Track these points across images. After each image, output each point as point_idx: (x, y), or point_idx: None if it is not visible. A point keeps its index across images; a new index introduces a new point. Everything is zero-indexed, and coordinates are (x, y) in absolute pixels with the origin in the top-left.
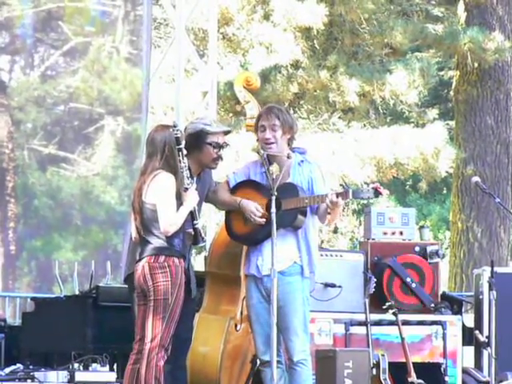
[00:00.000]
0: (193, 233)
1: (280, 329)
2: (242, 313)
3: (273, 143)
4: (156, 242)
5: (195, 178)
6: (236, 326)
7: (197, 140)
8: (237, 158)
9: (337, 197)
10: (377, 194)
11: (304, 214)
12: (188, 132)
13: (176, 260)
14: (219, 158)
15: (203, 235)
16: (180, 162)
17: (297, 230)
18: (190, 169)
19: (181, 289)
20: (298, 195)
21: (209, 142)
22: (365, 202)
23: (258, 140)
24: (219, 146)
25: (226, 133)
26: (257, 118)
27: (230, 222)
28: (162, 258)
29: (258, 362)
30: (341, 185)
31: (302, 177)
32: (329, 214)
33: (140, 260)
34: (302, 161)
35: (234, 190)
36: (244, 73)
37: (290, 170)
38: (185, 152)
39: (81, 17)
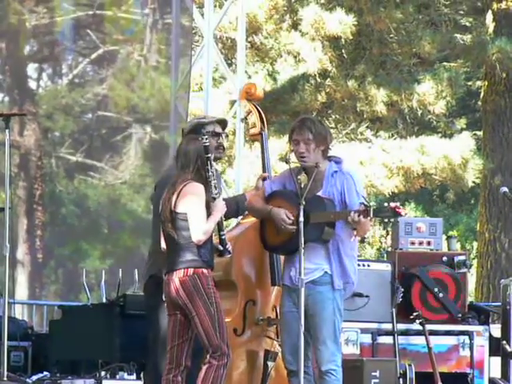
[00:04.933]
0: (219, 244)
1: (309, 338)
2: (245, 317)
3: (306, 156)
4: (185, 254)
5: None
6: (236, 330)
7: (196, 133)
8: None
9: (358, 215)
10: (396, 214)
11: (332, 226)
12: (186, 132)
13: (205, 271)
14: (220, 146)
15: (229, 247)
16: (208, 171)
17: (327, 243)
18: (219, 178)
19: (216, 295)
20: (325, 209)
21: (206, 131)
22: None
23: (292, 151)
24: (218, 134)
25: (222, 123)
26: (290, 131)
27: (264, 233)
28: (191, 271)
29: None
30: (361, 203)
31: (334, 188)
32: (355, 229)
33: (169, 272)
34: (336, 171)
35: (268, 199)
36: (245, 86)
37: (322, 180)
38: (213, 161)
39: (109, 25)
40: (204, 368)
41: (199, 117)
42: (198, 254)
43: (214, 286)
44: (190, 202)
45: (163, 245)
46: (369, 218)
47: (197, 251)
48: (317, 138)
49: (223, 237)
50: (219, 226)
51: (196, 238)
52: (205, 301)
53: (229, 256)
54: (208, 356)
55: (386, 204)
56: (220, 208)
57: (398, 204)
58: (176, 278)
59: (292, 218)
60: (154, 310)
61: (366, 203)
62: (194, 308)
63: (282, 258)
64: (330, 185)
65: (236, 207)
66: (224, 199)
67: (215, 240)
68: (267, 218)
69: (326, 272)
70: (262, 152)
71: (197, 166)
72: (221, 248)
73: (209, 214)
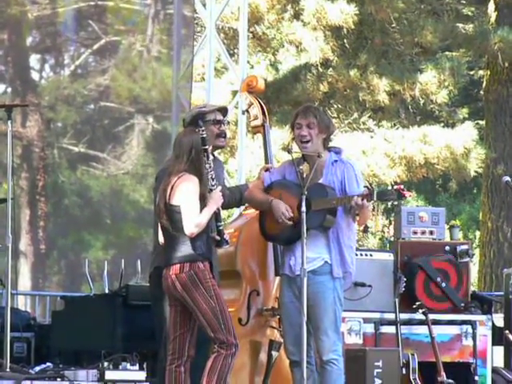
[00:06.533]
0: (217, 235)
1: (311, 328)
2: (249, 307)
3: (308, 141)
4: (181, 247)
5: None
6: (240, 320)
7: (196, 123)
8: None
9: (362, 199)
10: (400, 196)
11: (333, 213)
12: (187, 121)
13: (200, 264)
14: (222, 133)
15: (227, 237)
16: (205, 163)
17: (327, 230)
18: (214, 170)
19: (215, 287)
20: (327, 196)
21: (207, 119)
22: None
23: (293, 138)
24: (219, 122)
25: (222, 110)
26: (294, 116)
27: (263, 222)
28: (187, 266)
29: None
30: (365, 186)
31: (334, 177)
32: (357, 215)
33: (166, 266)
34: (336, 160)
35: (268, 189)
36: (246, 78)
37: (323, 169)
38: (210, 154)
39: (111, 15)
40: (212, 356)
41: (199, 106)
42: (193, 246)
43: (212, 279)
44: (183, 195)
45: (161, 238)
46: (372, 201)
47: (192, 244)
48: (320, 125)
49: (220, 227)
50: (216, 217)
51: (188, 230)
52: (204, 295)
53: (226, 247)
54: (216, 346)
55: (389, 187)
56: (216, 200)
57: (401, 186)
58: (173, 274)
59: (291, 214)
60: (159, 301)
61: (369, 187)
62: (194, 303)
63: None
64: (330, 173)
65: (239, 196)
66: (228, 188)
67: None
68: (267, 209)
69: (325, 262)
70: (265, 143)
71: (191, 157)
72: (218, 238)
73: (205, 206)
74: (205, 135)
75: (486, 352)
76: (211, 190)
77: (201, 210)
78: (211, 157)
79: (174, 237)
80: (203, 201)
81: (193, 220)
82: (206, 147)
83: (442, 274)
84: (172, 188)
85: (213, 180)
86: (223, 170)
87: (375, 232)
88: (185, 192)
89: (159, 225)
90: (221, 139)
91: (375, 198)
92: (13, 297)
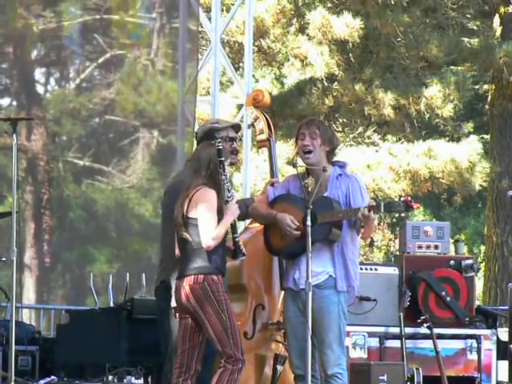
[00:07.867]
0: (233, 246)
1: (315, 342)
2: (255, 321)
3: (311, 151)
4: (196, 260)
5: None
6: (246, 334)
7: (209, 139)
8: None
9: (369, 211)
10: (407, 208)
11: (339, 227)
12: (199, 136)
13: (214, 277)
14: (234, 150)
15: (243, 249)
16: (221, 174)
17: (332, 244)
18: (231, 182)
19: (227, 301)
20: (332, 209)
21: (220, 136)
22: (400, 215)
23: (298, 153)
24: (232, 139)
25: (235, 127)
26: (298, 128)
27: (268, 236)
28: (200, 278)
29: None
30: (372, 198)
31: (339, 191)
32: (362, 227)
33: (180, 278)
34: (341, 174)
35: (272, 204)
36: (252, 92)
37: (327, 183)
38: (227, 165)
39: (116, 29)
40: (218, 371)
41: (212, 121)
42: (208, 259)
43: (224, 293)
44: (201, 208)
45: (177, 251)
46: (379, 213)
47: (208, 257)
48: (322, 136)
49: (237, 239)
50: (233, 229)
51: (205, 243)
52: (216, 308)
53: (242, 258)
54: (223, 360)
55: (396, 199)
56: (232, 211)
57: (409, 198)
58: (186, 285)
59: (297, 223)
60: (165, 314)
61: (376, 199)
62: (205, 316)
63: None
64: (334, 187)
65: (245, 210)
66: None
67: (228, 242)
68: (272, 223)
69: (330, 276)
70: (270, 158)
71: (209, 171)
72: (233, 248)
73: (221, 219)
74: (221, 147)
75: (490, 366)
76: (227, 202)
77: (218, 223)
78: (227, 168)
79: (190, 249)
80: (220, 213)
81: (210, 233)
82: (222, 159)
83: (448, 286)
84: (190, 201)
85: (229, 191)
86: (232, 184)
87: (381, 246)
88: (202, 205)
89: (176, 237)
90: (232, 156)
91: (382, 210)
92: (17, 310)
